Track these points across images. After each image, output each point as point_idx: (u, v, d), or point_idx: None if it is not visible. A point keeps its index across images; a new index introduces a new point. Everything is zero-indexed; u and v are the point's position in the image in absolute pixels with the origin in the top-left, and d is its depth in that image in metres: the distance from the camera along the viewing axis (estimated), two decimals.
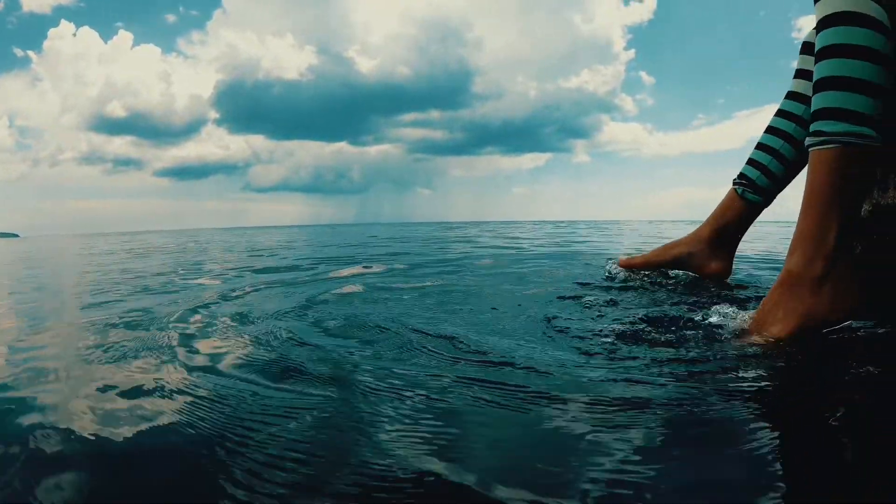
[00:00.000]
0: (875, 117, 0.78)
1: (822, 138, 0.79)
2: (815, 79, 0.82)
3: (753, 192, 1.23)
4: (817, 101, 0.81)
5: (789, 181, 1.25)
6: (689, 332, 0.81)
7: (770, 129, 1.24)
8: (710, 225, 1.28)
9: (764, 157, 1.21)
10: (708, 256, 1.29)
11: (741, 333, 0.80)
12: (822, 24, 0.81)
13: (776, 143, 1.20)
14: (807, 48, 1.19)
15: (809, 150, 0.81)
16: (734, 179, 1.28)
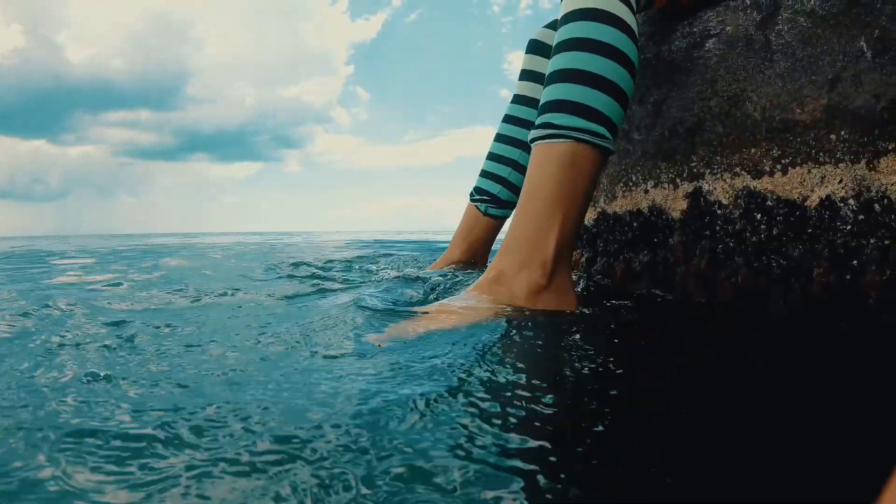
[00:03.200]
0: (613, 119, 0.70)
1: (550, 131, 0.69)
2: (549, 71, 0.73)
3: (497, 206, 1.12)
4: (549, 93, 0.71)
5: None
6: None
7: (500, 138, 1.14)
8: (458, 247, 1.15)
9: (502, 169, 1.11)
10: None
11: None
12: (566, 18, 0.73)
13: (511, 152, 1.11)
14: (535, 46, 1.11)
15: (533, 144, 0.72)
16: (472, 195, 1.16)
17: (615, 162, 0.96)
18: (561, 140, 0.68)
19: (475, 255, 1.16)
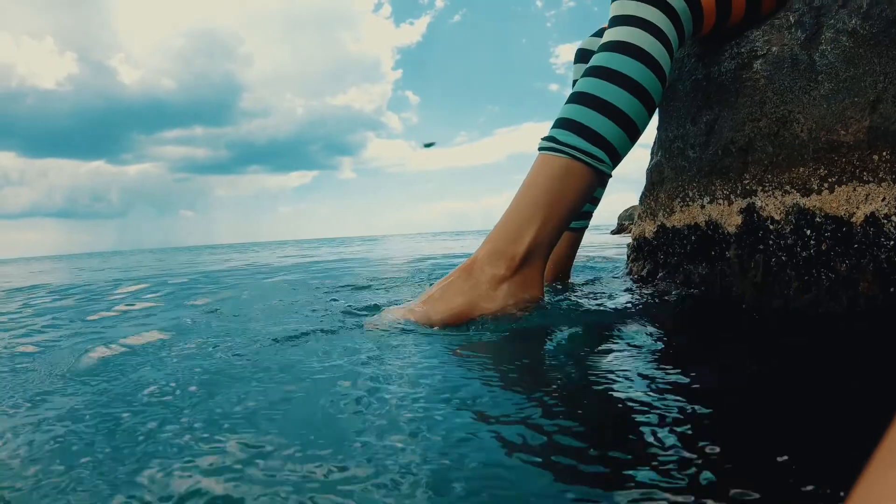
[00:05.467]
0: (615, 146, 0.77)
1: (552, 144, 0.76)
2: (573, 90, 0.80)
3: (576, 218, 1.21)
4: (564, 111, 0.79)
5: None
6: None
7: None
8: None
9: None
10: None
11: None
12: (602, 46, 0.80)
13: None
14: (582, 55, 1.18)
15: (538, 151, 0.79)
16: None
17: (672, 178, 1.02)
18: (558, 154, 0.76)
19: (560, 271, 1.19)
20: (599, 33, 1.18)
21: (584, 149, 0.75)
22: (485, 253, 0.77)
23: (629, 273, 1.18)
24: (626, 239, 2.62)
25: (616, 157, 0.78)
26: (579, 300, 0.95)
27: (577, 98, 0.78)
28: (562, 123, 0.78)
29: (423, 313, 0.74)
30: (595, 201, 1.22)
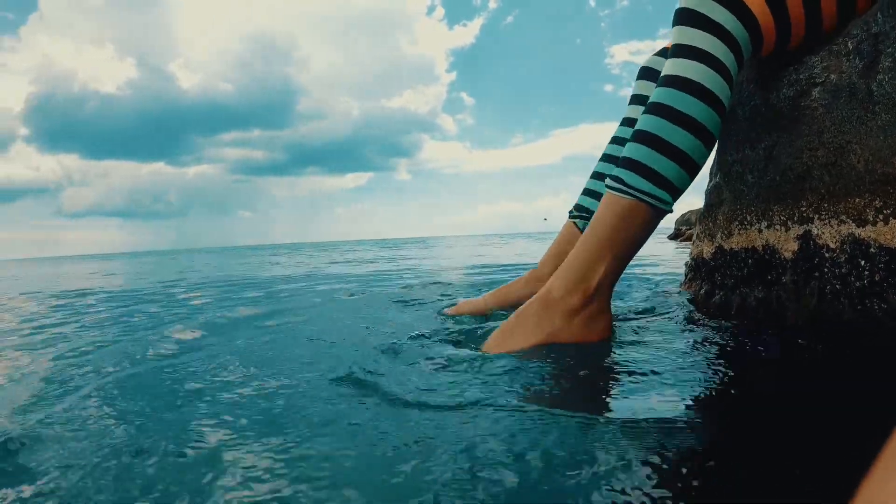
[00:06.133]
0: (677, 186, 0.81)
1: (619, 185, 0.81)
2: (636, 127, 0.84)
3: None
4: (629, 150, 0.83)
5: None
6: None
7: (606, 157, 1.23)
8: (550, 263, 1.20)
9: (602, 187, 1.10)
10: None
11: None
12: (664, 81, 0.82)
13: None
14: (645, 73, 1.19)
15: (606, 189, 0.84)
16: (571, 212, 1.24)
17: (731, 201, 1.04)
18: (625, 196, 0.81)
19: None
20: (663, 53, 1.20)
21: (649, 191, 0.80)
22: (558, 287, 0.83)
23: (685, 290, 1.21)
24: (682, 250, 2.57)
25: (677, 194, 0.83)
26: (644, 331, 0.97)
27: (642, 137, 0.82)
28: (628, 164, 0.82)
29: (500, 346, 0.81)
30: None
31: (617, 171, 0.83)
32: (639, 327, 0.96)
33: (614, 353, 0.80)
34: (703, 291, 1.10)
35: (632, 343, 0.85)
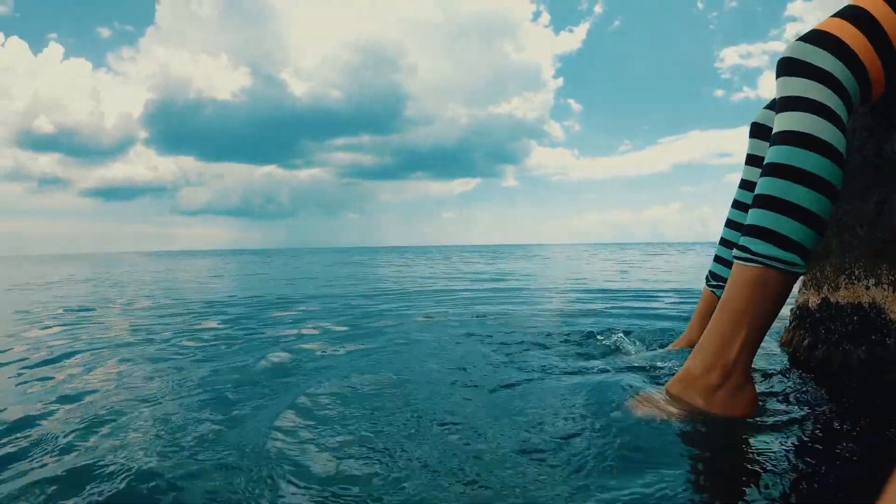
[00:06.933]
0: (806, 246, 0.76)
1: (747, 255, 0.78)
2: (756, 192, 0.81)
3: None
4: (752, 217, 0.80)
5: None
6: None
7: (729, 223, 1.20)
8: (696, 330, 1.22)
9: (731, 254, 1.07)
10: None
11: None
12: (778, 138, 0.79)
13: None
14: (757, 130, 1.14)
15: (734, 261, 0.81)
16: (707, 279, 1.25)
17: (839, 252, 1.01)
18: (754, 265, 0.77)
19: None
20: (772, 105, 1.14)
21: (778, 256, 0.76)
22: (696, 364, 0.81)
23: (787, 343, 1.17)
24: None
25: (807, 254, 0.78)
26: (785, 401, 0.92)
27: (763, 201, 0.79)
28: (752, 231, 0.79)
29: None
30: None
31: (743, 240, 0.80)
32: (782, 396, 0.91)
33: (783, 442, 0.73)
34: (805, 343, 1.07)
35: (788, 422, 0.79)
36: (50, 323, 2.41)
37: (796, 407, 0.85)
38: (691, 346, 1.17)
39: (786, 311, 1.17)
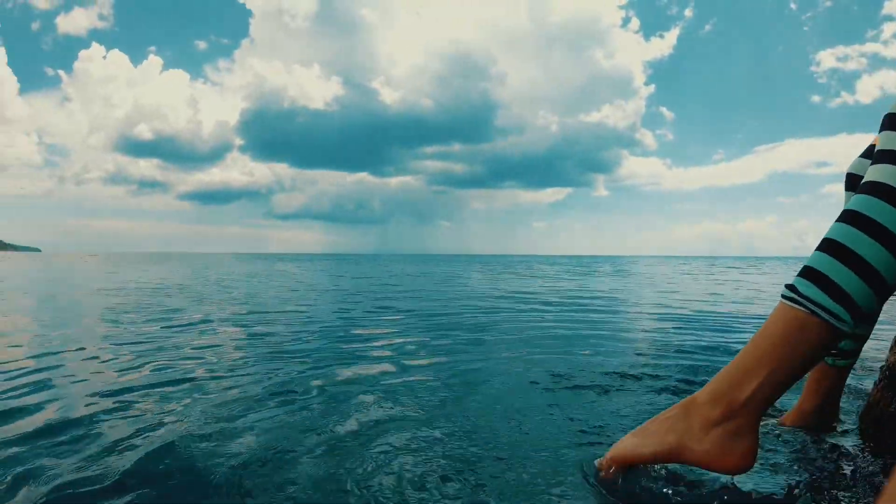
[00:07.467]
0: (859, 304, 0.70)
1: (793, 294, 0.73)
2: (825, 234, 0.75)
3: (842, 357, 1.08)
4: (811, 258, 0.75)
5: (873, 325, 1.06)
6: None
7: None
8: (810, 400, 1.13)
9: None
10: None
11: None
12: (863, 188, 0.74)
13: None
14: (850, 182, 1.06)
15: (780, 298, 0.75)
16: None
17: None
18: (797, 307, 0.72)
19: (827, 405, 1.13)
20: (868, 153, 1.06)
21: (825, 305, 0.70)
22: (705, 393, 0.76)
23: (874, 404, 1.09)
24: (879, 348, 2.12)
25: (859, 314, 0.72)
26: (801, 460, 0.91)
27: (826, 245, 0.74)
28: (807, 273, 0.74)
29: (633, 445, 0.78)
30: (862, 339, 1.10)
31: (796, 279, 0.75)
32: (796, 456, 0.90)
33: None
34: (893, 407, 1.00)
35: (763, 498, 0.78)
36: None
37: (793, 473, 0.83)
38: (805, 421, 1.12)
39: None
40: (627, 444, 0.80)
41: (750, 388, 0.72)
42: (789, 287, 0.75)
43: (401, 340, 2.36)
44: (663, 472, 0.81)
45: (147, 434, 1.06)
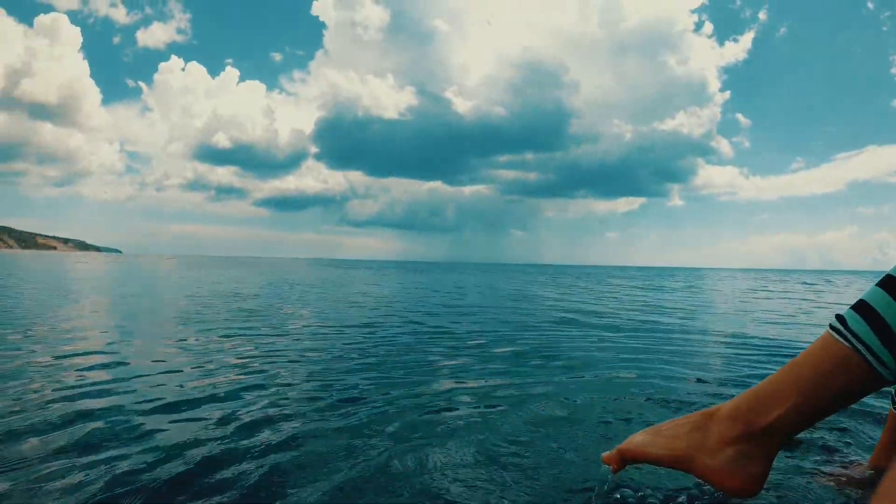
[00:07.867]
0: None
1: (840, 328, 0.67)
2: (891, 269, 0.68)
3: None
4: (869, 292, 0.68)
5: None
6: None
7: None
8: (883, 457, 1.03)
9: None
10: None
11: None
12: None
13: None
14: None
15: (828, 327, 0.69)
16: (893, 399, 0.99)
17: None
18: (841, 341, 0.66)
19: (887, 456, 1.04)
20: None
21: (871, 346, 0.65)
22: (728, 409, 0.72)
23: None
24: None
25: None
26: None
27: (888, 282, 0.68)
28: (860, 307, 0.68)
29: (642, 443, 0.74)
30: None
31: (847, 311, 0.69)
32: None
33: None
34: None
35: None
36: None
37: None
38: (879, 472, 1.02)
39: None
40: (638, 440, 0.75)
41: (775, 412, 0.68)
42: (839, 318, 0.69)
43: (480, 367, 2.23)
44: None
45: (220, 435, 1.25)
